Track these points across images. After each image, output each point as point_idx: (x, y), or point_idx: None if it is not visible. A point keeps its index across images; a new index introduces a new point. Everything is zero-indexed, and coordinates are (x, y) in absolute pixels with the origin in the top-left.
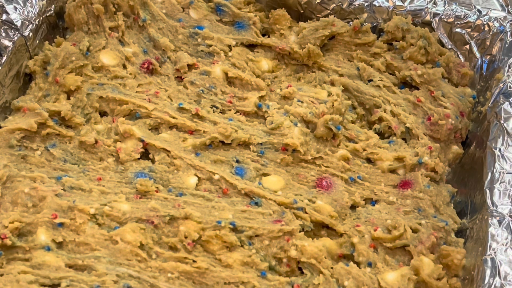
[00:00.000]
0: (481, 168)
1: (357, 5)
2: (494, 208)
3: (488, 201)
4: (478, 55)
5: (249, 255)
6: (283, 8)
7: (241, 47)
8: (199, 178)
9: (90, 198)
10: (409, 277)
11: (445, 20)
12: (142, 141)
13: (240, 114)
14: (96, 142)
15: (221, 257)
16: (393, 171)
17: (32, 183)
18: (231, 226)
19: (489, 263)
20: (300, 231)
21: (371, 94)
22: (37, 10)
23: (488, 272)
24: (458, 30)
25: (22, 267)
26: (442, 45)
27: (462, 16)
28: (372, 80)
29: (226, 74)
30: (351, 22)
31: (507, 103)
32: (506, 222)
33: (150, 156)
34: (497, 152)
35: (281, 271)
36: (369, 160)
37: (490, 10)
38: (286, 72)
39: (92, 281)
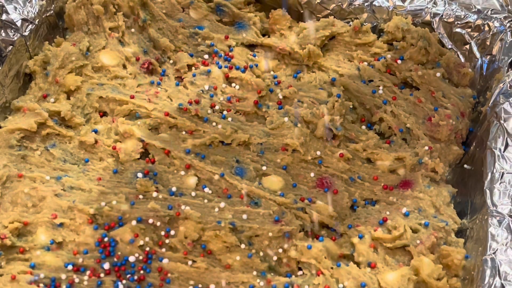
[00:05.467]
0: (481, 168)
1: (357, 5)
2: (494, 208)
3: (488, 201)
4: (478, 55)
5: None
6: (283, 8)
7: (241, 47)
8: (199, 178)
9: (90, 198)
10: (409, 277)
11: (445, 20)
12: (142, 141)
13: (240, 114)
14: (96, 142)
15: (221, 257)
16: (393, 171)
17: (32, 183)
18: (231, 226)
19: (489, 263)
20: (300, 231)
21: (371, 95)
22: (37, 10)
23: (488, 272)
24: (458, 30)
25: (22, 267)
26: (442, 45)
27: (462, 16)
28: (372, 81)
29: (226, 74)
30: (351, 22)
31: (507, 103)
32: (506, 222)
33: (150, 156)
34: (497, 152)
35: (281, 271)
36: (369, 160)
37: (490, 10)
38: (286, 72)
39: (92, 281)
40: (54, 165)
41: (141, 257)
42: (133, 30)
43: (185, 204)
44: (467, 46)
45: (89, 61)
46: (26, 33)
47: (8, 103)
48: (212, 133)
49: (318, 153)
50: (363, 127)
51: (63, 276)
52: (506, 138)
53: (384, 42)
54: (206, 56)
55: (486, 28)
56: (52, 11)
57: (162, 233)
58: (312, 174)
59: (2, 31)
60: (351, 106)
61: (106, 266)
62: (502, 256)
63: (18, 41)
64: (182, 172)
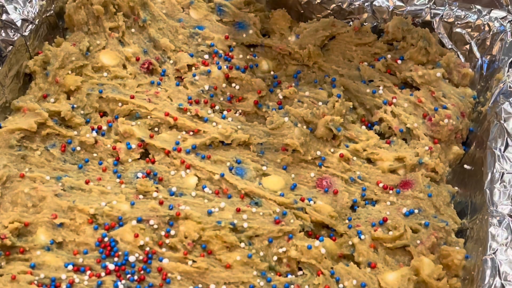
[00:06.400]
0: (481, 168)
1: (357, 5)
2: (494, 208)
3: (488, 201)
4: (478, 55)
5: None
6: (283, 8)
7: (241, 47)
8: (199, 178)
9: (90, 198)
10: (409, 277)
11: (445, 20)
12: (142, 141)
13: (240, 114)
14: (96, 142)
15: (221, 257)
16: (393, 171)
17: (32, 183)
18: (231, 226)
19: (489, 263)
20: (300, 231)
21: (371, 95)
22: (37, 10)
23: (488, 272)
24: (458, 30)
25: (22, 267)
26: (442, 45)
27: (462, 16)
28: (372, 81)
29: (226, 74)
30: (351, 22)
31: (507, 103)
32: (506, 222)
33: (150, 156)
34: (497, 152)
35: (281, 271)
36: (369, 160)
37: (490, 10)
38: (286, 72)
39: (92, 281)
40: (54, 165)
41: (141, 257)
42: (133, 30)
43: (185, 204)
44: (467, 46)
45: (89, 61)
46: (26, 33)
47: (8, 103)
48: (212, 133)
49: (318, 153)
50: (363, 127)
51: (63, 276)
52: (506, 138)
53: (384, 42)
54: (206, 56)
55: (486, 28)
56: (52, 11)
57: (162, 233)
58: (312, 174)
59: (2, 31)
60: (351, 106)
61: (106, 266)
62: (502, 256)
63: (18, 41)
64: (182, 172)
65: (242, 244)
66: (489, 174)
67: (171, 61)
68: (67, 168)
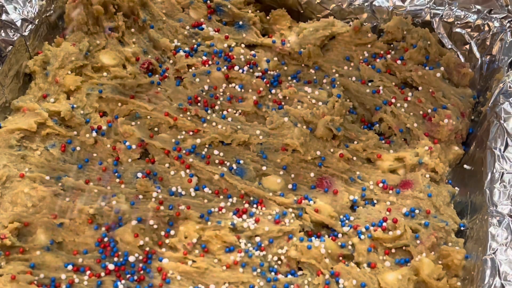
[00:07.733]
0: (481, 168)
1: (357, 5)
2: (494, 208)
3: (488, 201)
4: (478, 55)
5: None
6: (283, 8)
7: (241, 47)
8: (199, 178)
9: (90, 198)
10: (409, 277)
11: (445, 20)
12: (142, 141)
13: (240, 114)
14: (96, 142)
15: (221, 257)
16: (393, 171)
17: (32, 183)
18: (231, 226)
19: (489, 263)
20: (300, 231)
21: (371, 95)
22: (37, 10)
23: (488, 272)
24: (458, 30)
25: (22, 267)
26: (442, 45)
27: (462, 16)
28: (372, 81)
29: (226, 74)
30: (351, 22)
31: (507, 103)
32: (506, 222)
33: (150, 156)
34: (497, 152)
35: (281, 271)
36: (369, 160)
37: (490, 10)
38: (286, 72)
39: (92, 281)
40: (54, 165)
41: (141, 257)
42: (133, 30)
43: (185, 204)
44: (467, 46)
45: (89, 61)
46: (26, 33)
47: (8, 103)
48: (212, 133)
49: (318, 153)
50: (363, 127)
51: (63, 276)
52: (506, 138)
53: (384, 42)
54: (206, 56)
55: (486, 28)
56: (52, 11)
57: (162, 233)
58: (312, 174)
59: (2, 31)
60: (351, 106)
61: (106, 266)
62: (502, 256)
63: (18, 41)
64: (182, 172)
65: (242, 244)
66: (489, 174)
67: (171, 61)
68: (67, 168)
